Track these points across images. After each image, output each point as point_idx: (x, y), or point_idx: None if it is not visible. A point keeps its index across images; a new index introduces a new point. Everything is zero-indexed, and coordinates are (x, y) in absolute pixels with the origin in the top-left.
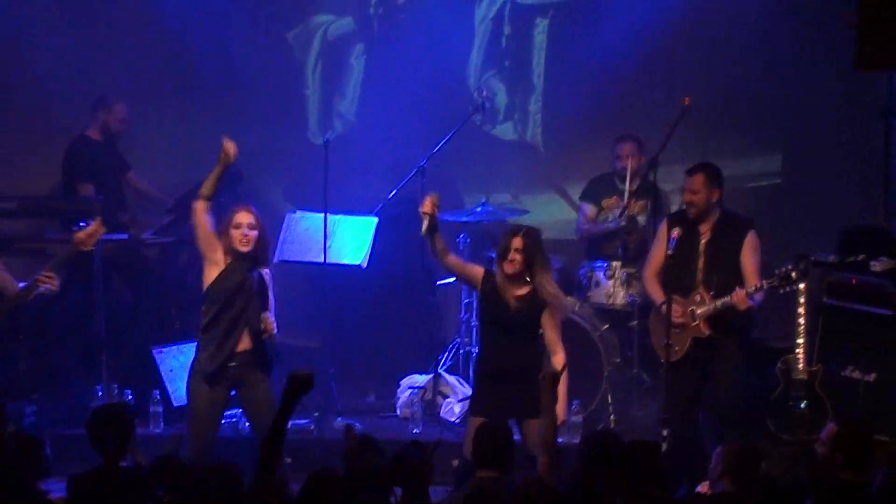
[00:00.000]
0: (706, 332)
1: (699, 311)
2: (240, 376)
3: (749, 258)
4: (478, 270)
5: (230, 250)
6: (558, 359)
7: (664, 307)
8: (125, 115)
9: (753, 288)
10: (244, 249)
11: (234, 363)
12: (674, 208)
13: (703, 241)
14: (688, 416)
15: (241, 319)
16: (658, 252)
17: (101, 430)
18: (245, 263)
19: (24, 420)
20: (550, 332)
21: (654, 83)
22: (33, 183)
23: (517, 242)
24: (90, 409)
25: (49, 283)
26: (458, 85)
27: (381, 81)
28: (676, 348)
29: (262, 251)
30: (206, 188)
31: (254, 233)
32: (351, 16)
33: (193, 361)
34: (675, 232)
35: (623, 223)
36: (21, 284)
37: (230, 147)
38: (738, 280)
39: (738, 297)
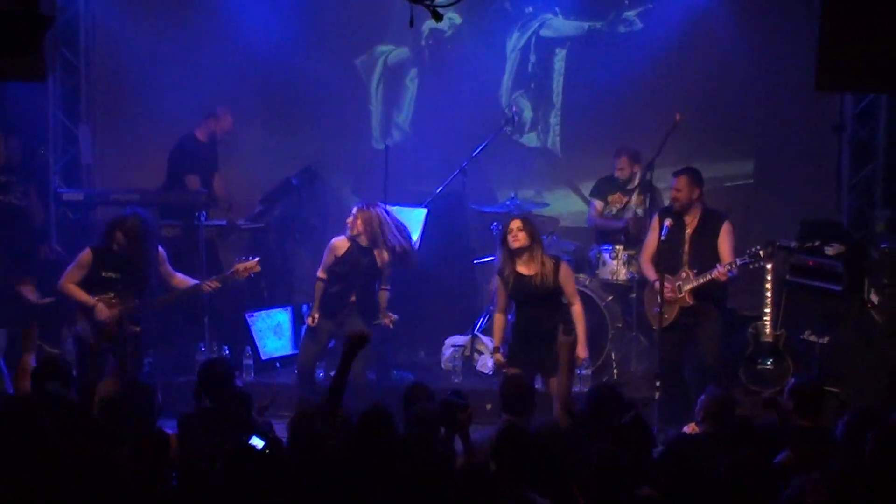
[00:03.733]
0: (690, 301)
1: (686, 287)
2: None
3: (725, 243)
4: (501, 286)
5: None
6: (576, 308)
7: (657, 284)
8: (231, 126)
9: (730, 265)
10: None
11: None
12: (666, 203)
13: (688, 232)
14: (676, 371)
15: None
16: (651, 240)
17: (207, 378)
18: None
19: (142, 370)
20: (566, 289)
21: (651, 101)
22: (146, 178)
23: (516, 223)
24: (194, 362)
25: (212, 289)
26: (493, 102)
27: (431, 99)
28: (666, 316)
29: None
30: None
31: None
32: (407, 46)
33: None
34: (668, 221)
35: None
36: (187, 278)
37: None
38: (717, 261)
39: (719, 272)
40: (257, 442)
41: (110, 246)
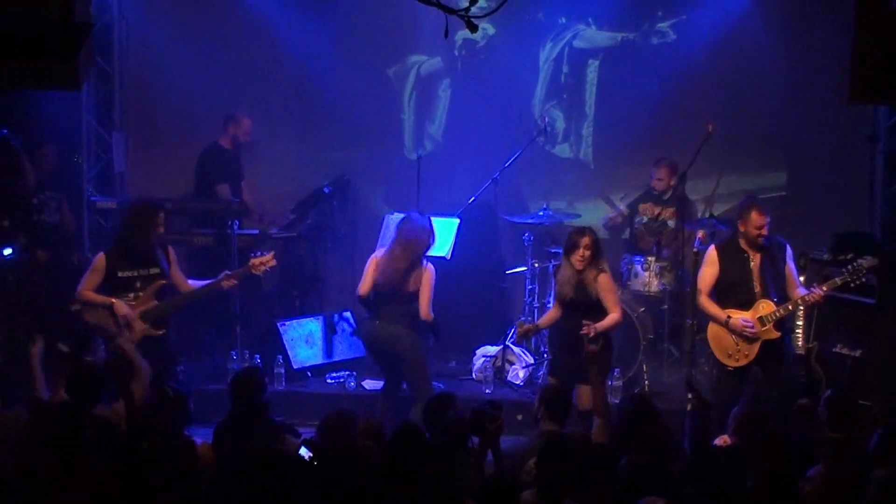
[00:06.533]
0: (777, 333)
1: (773, 318)
2: None
3: (791, 266)
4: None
5: None
6: (613, 315)
7: (731, 321)
8: (250, 128)
9: (825, 286)
10: None
11: None
12: (699, 216)
13: (754, 263)
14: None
15: None
16: (709, 275)
17: (241, 388)
18: None
19: (174, 378)
20: (605, 301)
21: (684, 112)
22: (179, 186)
23: (585, 241)
24: (227, 371)
25: (231, 284)
26: (525, 113)
27: (464, 109)
28: (746, 353)
29: None
30: None
31: None
32: (440, 56)
33: None
34: (701, 233)
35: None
36: (198, 283)
37: None
38: (786, 286)
39: (816, 296)
40: (304, 451)
41: (126, 244)
